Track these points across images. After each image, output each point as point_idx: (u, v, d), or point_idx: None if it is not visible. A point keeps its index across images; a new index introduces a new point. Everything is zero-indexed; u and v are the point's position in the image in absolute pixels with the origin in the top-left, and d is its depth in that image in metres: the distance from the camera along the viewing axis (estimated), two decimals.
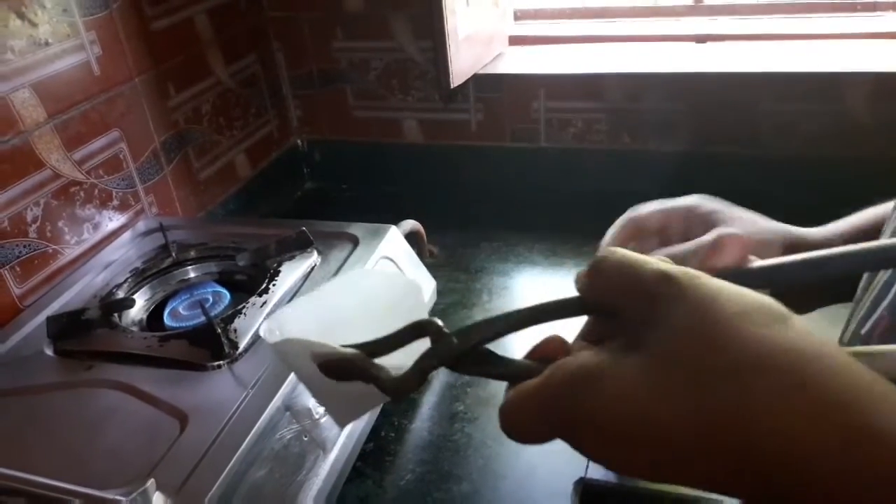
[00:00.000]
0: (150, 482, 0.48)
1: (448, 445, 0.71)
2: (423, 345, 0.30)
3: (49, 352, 0.67)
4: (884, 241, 0.28)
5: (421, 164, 1.22)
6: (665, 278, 0.25)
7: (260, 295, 0.70)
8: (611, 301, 0.27)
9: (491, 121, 1.16)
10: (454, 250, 1.04)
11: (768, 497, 0.23)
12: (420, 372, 0.29)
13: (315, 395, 0.33)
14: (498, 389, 0.79)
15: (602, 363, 0.25)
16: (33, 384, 0.64)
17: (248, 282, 0.78)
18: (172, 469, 0.51)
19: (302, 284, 0.73)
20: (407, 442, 0.72)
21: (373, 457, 0.70)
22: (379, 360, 0.30)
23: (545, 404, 0.27)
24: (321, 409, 0.62)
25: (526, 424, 0.28)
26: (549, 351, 0.29)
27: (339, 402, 0.32)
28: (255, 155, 1.18)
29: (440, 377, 0.80)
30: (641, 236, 0.43)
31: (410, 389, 0.29)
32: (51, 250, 0.81)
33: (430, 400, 0.77)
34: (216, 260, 0.82)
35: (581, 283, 0.29)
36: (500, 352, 0.30)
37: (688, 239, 0.40)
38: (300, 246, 0.77)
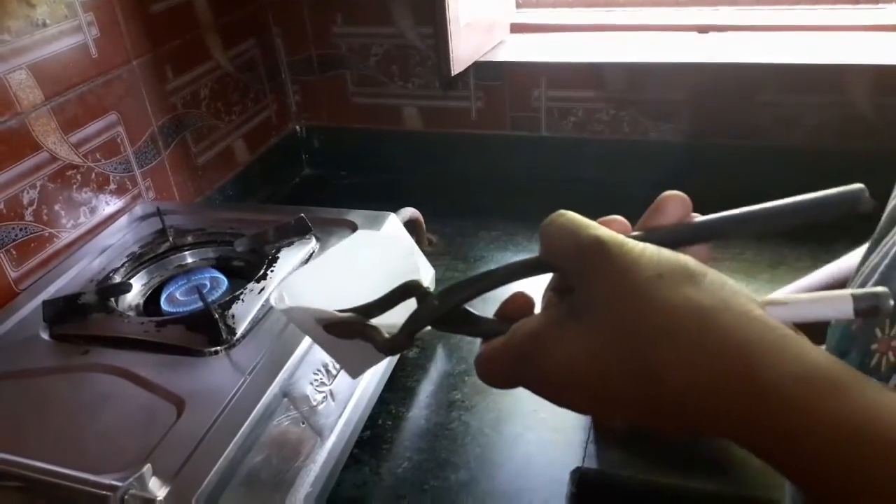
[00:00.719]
0: (147, 467, 0.48)
1: (445, 434, 0.71)
2: (412, 303, 0.34)
3: (45, 336, 0.67)
4: (817, 193, 0.29)
5: (420, 151, 1.22)
6: (597, 244, 0.28)
7: (258, 281, 0.70)
8: (556, 263, 0.31)
9: (491, 109, 1.15)
10: (453, 239, 1.04)
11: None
12: (409, 333, 0.33)
13: (326, 351, 0.37)
14: None
15: (549, 330, 0.29)
16: (29, 368, 0.63)
17: (246, 268, 0.78)
18: (169, 454, 0.51)
19: None
20: (404, 430, 0.72)
21: (370, 444, 0.70)
22: (376, 320, 0.34)
23: (506, 362, 0.31)
24: (318, 396, 0.62)
25: (494, 376, 0.32)
26: (515, 307, 0.33)
27: (349, 356, 0.36)
28: (254, 140, 1.17)
29: (437, 366, 0.80)
30: None
31: (402, 348, 0.33)
32: (47, 234, 0.81)
33: (427, 388, 0.77)
34: (214, 245, 0.82)
35: (541, 248, 0.32)
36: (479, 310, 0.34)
37: None
38: (299, 232, 0.76)
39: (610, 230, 0.29)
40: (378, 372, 0.70)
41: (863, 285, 0.39)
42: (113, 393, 0.59)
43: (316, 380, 0.62)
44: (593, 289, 0.28)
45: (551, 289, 0.34)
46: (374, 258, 0.39)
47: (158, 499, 0.47)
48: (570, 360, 0.28)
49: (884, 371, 0.35)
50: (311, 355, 0.62)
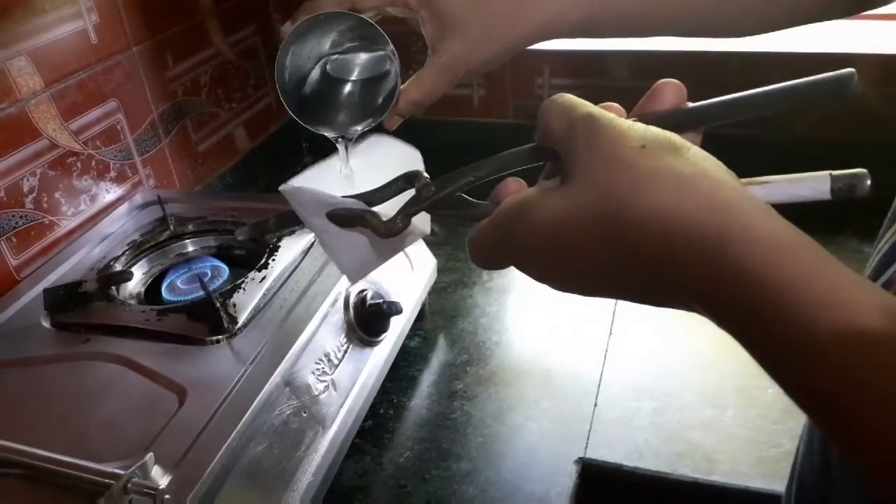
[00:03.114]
0: (149, 456, 0.48)
1: (447, 424, 0.71)
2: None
3: (46, 324, 0.67)
4: (807, 78, 0.29)
5: (421, 139, 1.20)
6: (588, 118, 0.29)
7: (259, 270, 0.70)
8: (549, 141, 0.32)
9: (493, 97, 1.15)
10: (454, 228, 1.03)
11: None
12: (405, 215, 0.34)
13: (325, 247, 0.38)
14: (496, 368, 0.79)
15: (535, 196, 0.30)
16: (30, 356, 0.63)
17: (247, 256, 0.77)
18: (171, 443, 0.51)
19: (302, 260, 0.72)
20: (406, 419, 0.72)
21: (371, 434, 0.70)
22: (377, 209, 0.35)
23: (495, 234, 0.32)
24: (320, 386, 0.62)
25: (484, 253, 0.33)
26: (509, 192, 0.33)
27: (348, 255, 0.38)
28: (254, 128, 1.17)
29: (439, 356, 0.80)
30: None
31: (398, 230, 0.34)
32: (47, 221, 0.80)
33: (428, 378, 0.77)
34: (215, 234, 0.81)
35: (537, 130, 0.32)
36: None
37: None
38: (300, 221, 0.76)
39: (603, 110, 0.30)
40: (380, 361, 0.70)
41: (886, 263, 0.38)
42: (114, 381, 0.59)
43: (318, 369, 0.62)
44: (578, 156, 0.29)
45: (544, 177, 0.35)
46: (379, 161, 0.40)
47: (161, 487, 0.47)
48: (550, 221, 0.29)
49: None
50: (313, 344, 0.62)
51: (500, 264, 0.33)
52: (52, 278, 0.74)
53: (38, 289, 0.71)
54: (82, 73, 0.83)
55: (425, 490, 0.64)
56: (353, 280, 0.40)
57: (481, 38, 0.50)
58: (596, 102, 0.32)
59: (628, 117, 0.32)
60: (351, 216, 0.35)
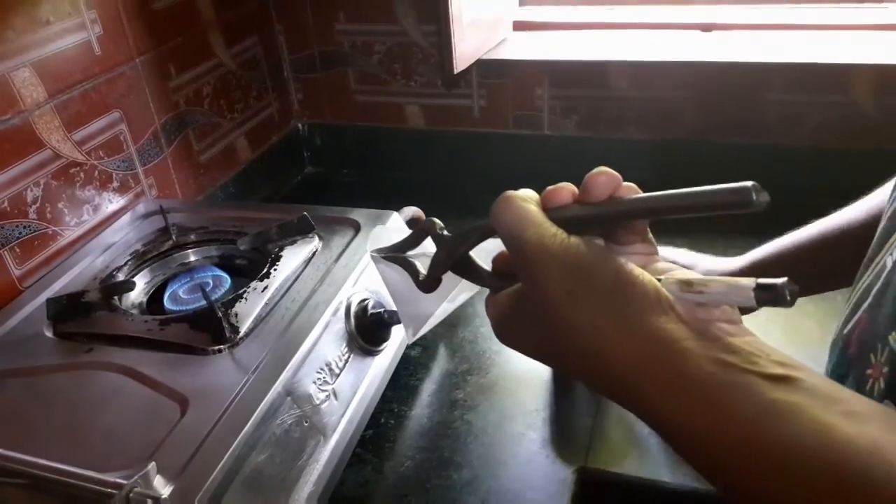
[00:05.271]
0: (151, 465, 0.48)
1: (448, 433, 0.71)
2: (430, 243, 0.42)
3: (49, 334, 0.67)
4: (715, 186, 0.30)
5: (423, 149, 1.22)
6: (527, 254, 0.32)
7: (261, 280, 0.70)
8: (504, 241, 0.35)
9: (494, 107, 1.15)
10: None
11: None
12: (435, 277, 0.41)
13: (394, 299, 0.49)
14: (497, 378, 0.79)
15: (510, 313, 0.37)
16: (33, 366, 0.63)
17: (249, 266, 0.78)
18: (173, 453, 0.51)
19: (303, 269, 0.72)
20: (407, 429, 0.72)
21: (372, 443, 0.70)
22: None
23: (494, 324, 0.39)
24: (321, 395, 0.62)
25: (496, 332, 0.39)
26: (502, 262, 0.39)
27: (408, 306, 0.47)
28: (256, 138, 1.17)
29: (440, 365, 0.80)
30: None
31: (433, 288, 0.42)
32: (51, 231, 0.81)
33: (429, 387, 0.77)
34: (217, 244, 0.82)
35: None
36: None
37: None
38: (301, 231, 0.76)
39: (544, 228, 0.33)
40: (380, 371, 0.70)
41: (857, 307, 0.39)
42: (117, 391, 0.59)
43: (319, 378, 0.62)
44: (526, 292, 0.35)
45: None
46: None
47: (163, 497, 0.48)
48: (523, 342, 0.37)
49: (876, 397, 0.35)
50: (314, 353, 0.62)
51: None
52: (55, 288, 0.75)
53: (41, 299, 0.71)
54: (86, 84, 0.84)
55: (426, 499, 0.64)
56: (410, 336, 0.49)
57: None
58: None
59: (572, 202, 0.34)
60: (397, 259, 0.44)
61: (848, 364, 0.38)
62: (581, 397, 0.73)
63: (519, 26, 1.21)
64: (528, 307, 0.35)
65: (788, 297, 0.27)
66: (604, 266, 0.31)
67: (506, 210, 0.34)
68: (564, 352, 0.33)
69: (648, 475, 0.65)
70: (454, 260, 0.40)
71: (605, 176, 0.33)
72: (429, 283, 0.41)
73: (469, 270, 0.40)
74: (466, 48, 1.07)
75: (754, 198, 0.28)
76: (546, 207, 0.34)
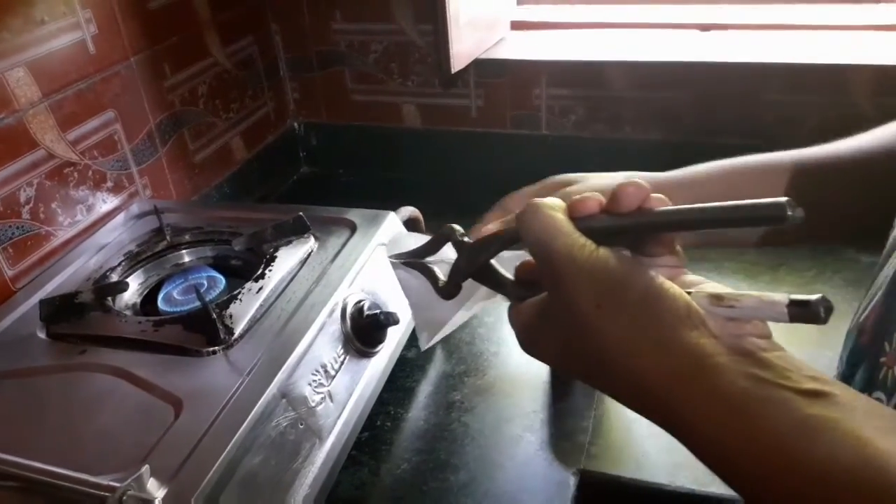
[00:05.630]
0: (145, 468, 0.48)
1: (444, 435, 0.70)
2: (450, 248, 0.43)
3: (42, 335, 0.67)
4: (749, 201, 0.30)
5: (419, 149, 1.21)
6: (556, 263, 0.32)
7: (256, 280, 0.69)
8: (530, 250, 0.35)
9: (491, 107, 1.15)
10: None
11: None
12: (455, 284, 0.41)
13: (412, 309, 0.48)
14: (494, 379, 0.78)
15: (534, 323, 0.36)
16: (26, 367, 0.63)
17: (244, 267, 0.77)
18: (167, 455, 0.51)
19: (299, 270, 0.72)
20: (403, 431, 0.72)
21: (368, 445, 0.70)
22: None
23: (518, 334, 0.38)
24: (317, 397, 0.61)
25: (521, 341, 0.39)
26: (526, 271, 0.38)
27: (425, 312, 0.46)
28: (252, 138, 1.17)
29: (436, 367, 0.79)
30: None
31: (453, 295, 0.41)
32: (44, 232, 0.80)
33: (426, 389, 0.76)
34: (211, 244, 0.81)
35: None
36: None
37: None
38: (297, 231, 0.76)
39: (573, 238, 0.32)
40: (376, 373, 0.70)
41: (872, 297, 0.39)
42: (110, 393, 0.59)
43: (314, 380, 0.62)
44: (553, 303, 0.34)
45: None
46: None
47: (157, 500, 0.47)
48: (548, 353, 0.37)
49: (889, 385, 0.34)
50: (309, 355, 0.62)
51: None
52: (48, 289, 0.74)
53: (34, 299, 0.71)
54: (80, 84, 0.83)
55: (423, 502, 0.64)
56: (424, 343, 0.48)
57: None
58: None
59: (599, 212, 0.34)
60: (416, 265, 0.44)
61: (861, 353, 0.38)
62: (579, 399, 0.73)
63: (516, 26, 1.20)
64: (555, 317, 0.34)
65: (823, 315, 0.27)
66: (634, 279, 0.30)
67: (534, 219, 0.33)
68: (591, 363, 0.33)
69: (646, 477, 0.64)
70: (475, 267, 0.40)
71: (634, 187, 0.32)
72: (449, 290, 0.41)
73: (490, 278, 0.40)
74: (464, 47, 1.06)
75: (789, 213, 0.28)
76: (572, 217, 0.34)
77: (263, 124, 1.19)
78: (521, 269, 0.38)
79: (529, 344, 0.37)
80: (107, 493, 0.47)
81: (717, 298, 0.30)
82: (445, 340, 0.82)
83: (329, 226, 0.79)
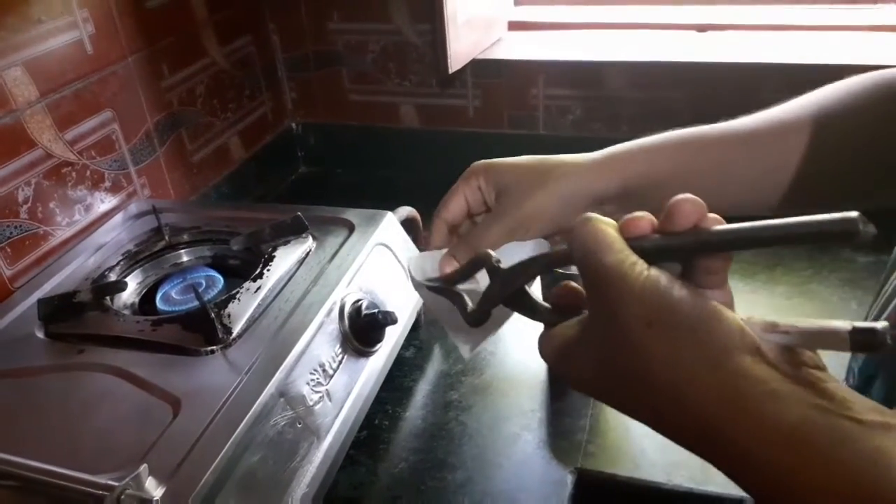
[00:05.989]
0: (143, 467, 0.48)
1: (442, 434, 0.71)
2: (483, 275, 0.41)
3: (40, 334, 0.67)
4: (817, 216, 0.28)
5: (417, 149, 1.21)
6: (606, 280, 0.31)
7: (254, 280, 0.69)
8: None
9: (489, 107, 1.15)
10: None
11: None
12: (485, 311, 0.40)
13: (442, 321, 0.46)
14: (492, 378, 0.79)
15: (571, 344, 0.35)
16: (24, 367, 0.63)
17: (242, 266, 0.77)
18: (165, 454, 0.51)
19: (297, 270, 0.72)
20: (401, 430, 0.72)
21: (366, 445, 0.70)
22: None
23: (550, 358, 0.37)
24: (315, 396, 0.62)
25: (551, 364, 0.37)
26: (562, 295, 0.37)
27: (453, 324, 0.44)
28: (249, 138, 1.17)
29: (434, 366, 0.79)
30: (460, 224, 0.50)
31: (481, 321, 0.40)
32: (42, 231, 0.80)
33: (423, 388, 0.77)
34: (209, 244, 0.81)
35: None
36: None
37: (489, 207, 0.49)
38: (295, 231, 0.76)
39: (624, 255, 0.31)
40: (374, 372, 0.70)
41: (885, 306, 0.38)
42: (108, 392, 0.59)
43: (312, 380, 0.62)
44: (596, 321, 0.33)
45: None
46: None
47: (155, 499, 0.47)
48: (583, 375, 0.35)
49: None
50: (308, 354, 0.62)
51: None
52: (46, 288, 0.74)
53: (33, 299, 0.71)
54: (78, 84, 0.83)
55: (421, 501, 0.64)
56: (466, 354, 0.46)
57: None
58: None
59: (652, 233, 0.33)
60: (443, 291, 0.43)
61: (877, 364, 0.38)
62: (576, 398, 0.73)
63: (514, 26, 1.20)
64: (597, 336, 0.33)
65: (890, 342, 0.26)
66: (687, 300, 0.30)
67: (586, 231, 0.32)
68: (632, 384, 0.32)
69: (644, 476, 0.65)
70: (508, 292, 0.38)
71: (690, 204, 0.31)
72: (478, 317, 0.40)
73: (523, 303, 0.39)
74: (461, 48, 1.07)
75: (861, 228, 0.26)
76: (625, 237, 0.33)
77: (261, 124, 1.20)
78: (558, 294, 0.37)
79: (563, 365, 0.36)
80: (105, 492, 0.47)
81: (771, 325, 0.29)
82: (443, 340, 0.83)
83: (327, 225, 0.79)
